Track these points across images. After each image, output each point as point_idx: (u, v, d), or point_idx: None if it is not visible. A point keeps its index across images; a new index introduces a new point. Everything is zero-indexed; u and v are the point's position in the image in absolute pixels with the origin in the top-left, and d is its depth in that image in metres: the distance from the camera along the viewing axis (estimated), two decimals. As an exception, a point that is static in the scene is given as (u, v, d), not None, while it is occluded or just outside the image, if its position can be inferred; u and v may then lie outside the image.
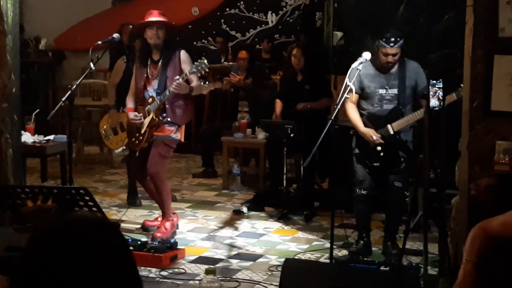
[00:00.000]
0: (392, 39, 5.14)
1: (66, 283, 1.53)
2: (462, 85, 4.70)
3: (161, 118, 5.68)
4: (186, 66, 5.67)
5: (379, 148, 5.27)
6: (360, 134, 5.32)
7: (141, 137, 5.75)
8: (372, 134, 5.26)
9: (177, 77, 5.52)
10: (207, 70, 5.55)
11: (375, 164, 5.33)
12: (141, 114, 5.74)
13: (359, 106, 5.39)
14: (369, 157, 5.35)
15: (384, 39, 5.14)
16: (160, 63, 5.72)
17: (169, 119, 5.69)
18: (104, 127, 6.52)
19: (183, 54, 5.75)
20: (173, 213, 6.03)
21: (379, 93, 5.30)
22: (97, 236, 1.59)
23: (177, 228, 6.02)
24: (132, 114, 5.80)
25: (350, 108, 5.35)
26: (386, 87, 5.29)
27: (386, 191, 5.42)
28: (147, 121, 5.69)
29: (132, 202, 6.84)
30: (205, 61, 5.49)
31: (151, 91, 5.74)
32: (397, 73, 5.28)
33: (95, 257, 1.56)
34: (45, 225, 1.62)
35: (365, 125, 5.32)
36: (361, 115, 5.37)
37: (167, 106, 5.67)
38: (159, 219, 6.01)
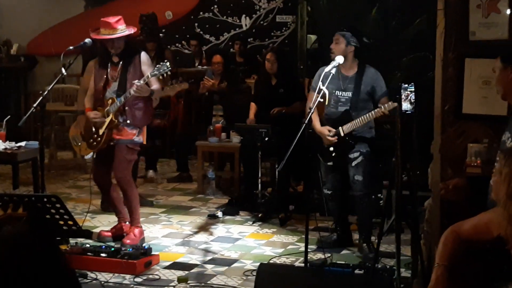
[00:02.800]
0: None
1: None
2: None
3: (120, 120, 5.66)
4: (146, 68, 5.66)
5: (331, 148, 5.43)
6: (317, 133, 5.46)
7: (99, 138, 5.72)
8: (327, 132, 5.42)
9: (137, 80, 5.50)
10: (169, 73, 5.53)
11: (328, 163, 5.51)
12: (100, 113, 5.71)
13: (319, 107, 5.46)
14: (323, 157, 5.51)
15: None
16: (120, 65, 5.70)
17: (128, 121, 5.66)
18: (73, 133, 6.41)
19: (144, 56, 5.74)
20: (128, 222, 5.94)
21: (336, 94, 5.45)
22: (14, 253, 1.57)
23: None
24: (92, 113, 5.75)
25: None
26: (342, 89, 5.43)
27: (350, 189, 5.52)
28: (106, 122, 5.66)
29: (106, 207, 6.78)
30: (167, 63, 5.49)
31: (110, 92, 5.71)
32: (354, 77, 5.42)
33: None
34: None
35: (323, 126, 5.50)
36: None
37: (126, 108, 5.64)
38: (125, 226, 5.94)
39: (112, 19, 5.62)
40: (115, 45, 5.64)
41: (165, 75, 5.53)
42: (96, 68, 5.83)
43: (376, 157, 5.48)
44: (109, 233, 5.89)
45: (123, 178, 5.72)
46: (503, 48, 4.08)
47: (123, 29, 5.62)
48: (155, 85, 5.63)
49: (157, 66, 5.51)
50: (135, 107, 5.66)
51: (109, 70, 5.74)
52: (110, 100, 5.67)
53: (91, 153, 6.36)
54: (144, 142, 5.87)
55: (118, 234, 5.88)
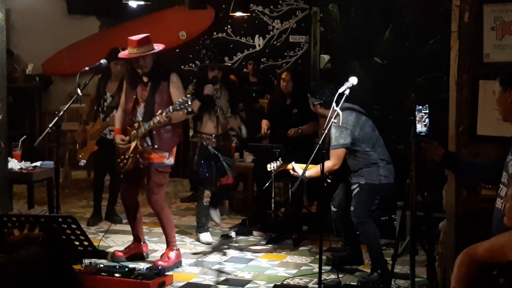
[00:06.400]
0: None
1: None
2: None
3: (146, 145, 5.61)
4: (175, 90, 5.58)
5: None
6: None
7: (125, 161, 5.71)
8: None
9: (160, 111, 5.38)
10: (189, 109, 5.40)
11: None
12: (128, 137, 5.68)
13: None
14: None
15: None
16: (149, 86, 5.63)
17: (156, 146, 5.62)
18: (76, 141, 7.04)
19: (174, 77, 5.63)
20: (143, 242, 6.00)
21: None
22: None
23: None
24: (118, 138, 5.72)
25: None
26: None
27: None
28: (132, 146, 5.64)
29: (93, 223, 7.08)
30: (188, 101, 5.32)
31: (139, 113, 5.67)
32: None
33: None
34: None
35: None
36: None
37: (154, 132, 5.58)
38: (138, 246, 5.95)
39: (136, 37, 5.54)
40: (140, 63, 5.55)
41: (185, 110, 5.40)
42: (126, 87, 5.78)
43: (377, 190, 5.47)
44: (122, 253, 5.89)
45: (155, 202, 5.72)
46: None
47: (148, 48, 5.53)
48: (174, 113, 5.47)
49: (179, 101, 5.34)
50: (162, 131, 5.60)
51: (138, 90, 5.68)
52: (137, 124, 5.61)
53: (82, 161, 6.89)
54: (173, 162, 5.82)
55: (132, 253, 5.89)
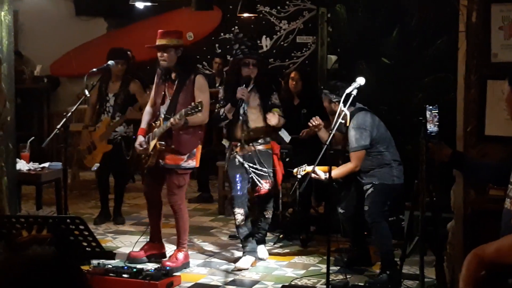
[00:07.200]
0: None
1: None
2: None
3: (163, 144, 5.57)
4: (198, 93, 5.56)
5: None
6: None
7: (147, 157, 5.73)
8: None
9: (184, 110, 5.39)
10: (199, 114, 5.36)
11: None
12: (150, 134, 5.68)
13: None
14: None
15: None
16: (175, 84, 5.64)
17: (173, 146, 5.59)
18: (80, 148, 6.99)
19: (199, 80, 5.62)
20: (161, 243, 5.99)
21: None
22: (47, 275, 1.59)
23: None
24: (138, 142, 5.73)
25: None
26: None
27: None
28: (152, 144, 5.64)
29: (100, 221, 7.16)
30: (200, 106, 5.25)
31: (163, 110, 5.67)
32: (346, 129, 5.44)
33: None
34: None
35: None
36: None
37: (173, 132, 5.55)
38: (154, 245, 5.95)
39: (164, 30, 5.60)
40: (163, 56, 5.54)
41: (195, 114, 5.36)
42: (156, 82, 5.80)
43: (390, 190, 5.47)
44: (139, 254, 5.87)
45: (174, 202, 5.72)
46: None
47: (170, 41, 5.55)
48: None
49: (191, 105, 5.32)
50: (181, 131, 5.56)
51: (166, 86, 5.69)
52: (158, 122, 5.63)
53: (96, 165, 6.85)
54: (197, 165, 5.79)
55: (149, 253, 5.89)
